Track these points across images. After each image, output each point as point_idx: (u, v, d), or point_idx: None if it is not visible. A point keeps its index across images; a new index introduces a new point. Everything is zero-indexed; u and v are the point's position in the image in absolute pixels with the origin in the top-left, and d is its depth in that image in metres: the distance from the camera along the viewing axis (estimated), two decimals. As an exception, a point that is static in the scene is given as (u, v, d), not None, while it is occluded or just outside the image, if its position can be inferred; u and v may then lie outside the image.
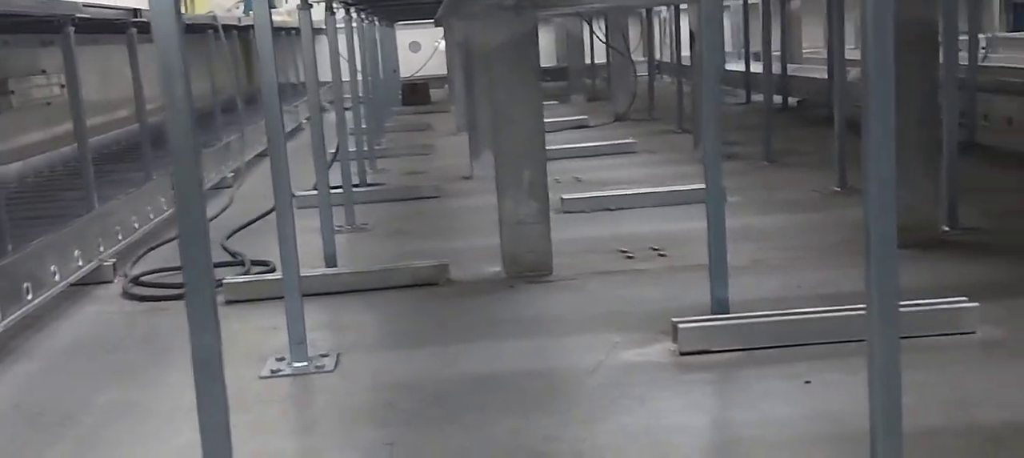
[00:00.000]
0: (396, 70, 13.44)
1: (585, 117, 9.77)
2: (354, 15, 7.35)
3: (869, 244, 1.84)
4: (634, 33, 11.17)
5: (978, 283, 3.40)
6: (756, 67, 9.86)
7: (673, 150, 7.41)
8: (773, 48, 11.34)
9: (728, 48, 13.60)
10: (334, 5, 5.26)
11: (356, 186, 5.89)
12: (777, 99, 9.61)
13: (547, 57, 15.39)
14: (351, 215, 5.14)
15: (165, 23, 1.64)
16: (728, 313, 3.13)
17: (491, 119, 4.13)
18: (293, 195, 5.80)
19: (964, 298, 3.02)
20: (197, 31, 7.32)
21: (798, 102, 9.73)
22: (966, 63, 6.37)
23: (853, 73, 7.15)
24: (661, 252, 4.22)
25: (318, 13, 5.13)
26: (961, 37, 6.77)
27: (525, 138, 3.93)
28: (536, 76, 3.91)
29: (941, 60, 4.17)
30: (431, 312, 3.63)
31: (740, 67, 11.02)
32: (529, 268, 3.97)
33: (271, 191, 3.08)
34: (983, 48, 9.65)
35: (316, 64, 4.19)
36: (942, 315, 2.97)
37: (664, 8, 11.55)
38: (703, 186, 3.19)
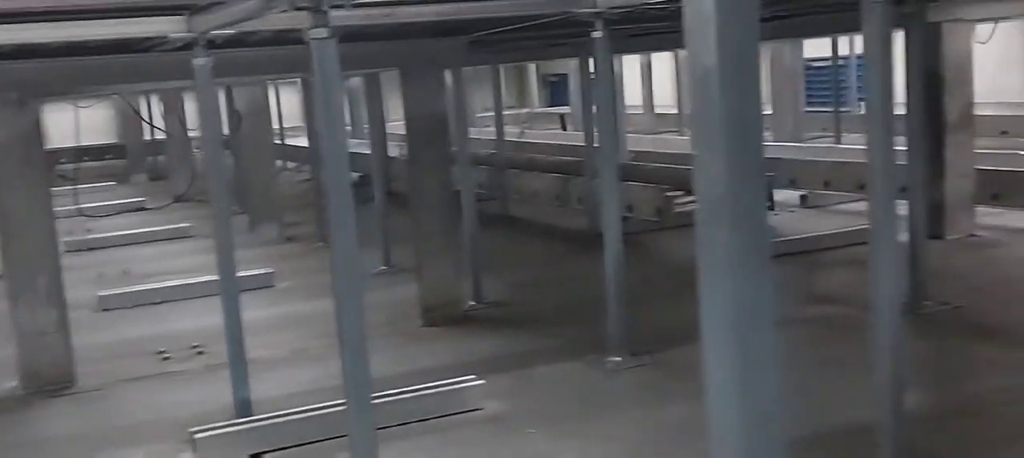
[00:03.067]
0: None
1: (143, 199, 9.34)
2: None
3: (342, 342, 1.93)
4: (194, 110, 10.87)
5: (491, 357, 3.68)
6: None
7: (231, 233, 7.28)
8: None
9: (298, 122, 13.71)
10: None
11: None
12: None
13: (105, 134, 14.55)
14: None
15: None
16: (251, 415, 3.11)
17: (-2, 224, 3.80)
18: None
19: (472, 376, 3.24)
20: None
21: (360, 178, 9.99)
22: (495, 140, 6.93)
23: (397, 150, 7.44)
24: (201, 349, 4.10)
25: None
26: (489, 114, 7.39)
27: (37, 242, 3.66)
28: (44, 175, 3.67)
29: (455, 145, 4.49)
30: (-75, 444, 3.24)
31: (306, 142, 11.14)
32: (50, 381, 3.69)
33: None
34: (524, 123, 10.61)
35: None
36: (451, 396, 3.17)
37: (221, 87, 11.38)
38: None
